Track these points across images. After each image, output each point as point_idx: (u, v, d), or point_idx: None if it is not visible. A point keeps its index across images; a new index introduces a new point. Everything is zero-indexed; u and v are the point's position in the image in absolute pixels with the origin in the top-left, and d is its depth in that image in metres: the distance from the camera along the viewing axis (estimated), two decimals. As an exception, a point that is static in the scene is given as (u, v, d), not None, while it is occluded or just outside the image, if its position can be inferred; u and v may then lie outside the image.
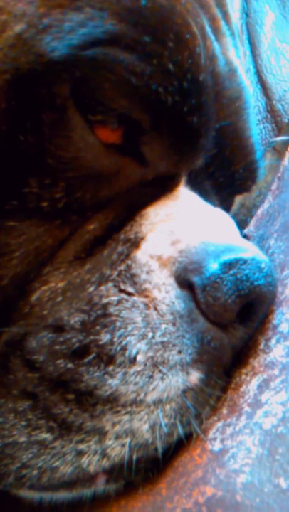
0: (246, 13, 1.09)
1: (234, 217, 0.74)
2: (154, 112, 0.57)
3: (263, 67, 1.02)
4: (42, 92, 0.53)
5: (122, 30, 0.53)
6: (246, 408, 0.56)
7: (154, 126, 0.58)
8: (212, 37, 0.65)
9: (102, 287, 0.57)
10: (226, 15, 0.73)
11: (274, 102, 0.99)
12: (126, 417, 0.55)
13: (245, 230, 0.84)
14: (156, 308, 0.57)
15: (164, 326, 0.56)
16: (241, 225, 0.78)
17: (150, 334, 0.56)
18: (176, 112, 0.58)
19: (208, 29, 0.64)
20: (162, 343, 0.56)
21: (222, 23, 0.70)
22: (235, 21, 0.77)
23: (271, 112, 0.99)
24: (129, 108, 0.56)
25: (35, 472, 0.55)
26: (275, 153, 0.92)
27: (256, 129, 0.76)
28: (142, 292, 0.57)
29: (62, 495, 0.60)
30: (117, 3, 0.53)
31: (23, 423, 0.55)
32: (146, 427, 0.55)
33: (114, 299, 0.57)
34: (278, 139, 0.95)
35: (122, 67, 0.54)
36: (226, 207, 0.76)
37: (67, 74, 0.53)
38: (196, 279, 0.57)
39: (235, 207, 0.84)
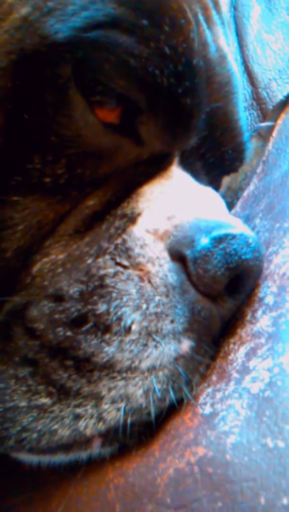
0: (234, 6, 1.08)
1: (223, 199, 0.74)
2: (150, 93, 0.57)
3: (250, 57, 1.02)
4: (46, 72, 0.53)
5: (121, 13, 0.53)
6: (235, 374, 0.56)
7: (150, 107, 0.58)
8: (204, 25, 0.64)
9: (100, 259, 0.57)
10: (216, 5, 0.73)
11: (259, 90, 0.99)
12: (121, 383, 0.55)
13: (232, 211, 0.83)
14: (150, 281, 0.57)
15: (157, 298, 0.56)
16: (228, 206, 0.77)
17: (144, 305, 0.56)
18: (170, 94, 0.57)
19: (200, 17, 0.63)
20: (156, 313, 0.56)
21: (213, 12, 0.70)
22: (225, 11, 0.76)
23: (257, 99, 0.98)
24: (127, 88, 0.56)
25: (34, 435, 0.55)
26: (260, 138, 0.92)
27: (244, 113, 0.75)
28: (137, 266, 0.57)
29: (60, 458, 0.59)
30: None
31: (24, 388, 0.55)
32: (140, 392, 0.55)
33: (111, 271, 0.56)
34: (263, 124, 0.95)
35: (122, 49, 0.53)
36: (215, 187, 0.75)
37: (69, 55, 0.53)
38: (188, 252, 0.57)
39: (222, 189, 0.83)
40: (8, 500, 0.66)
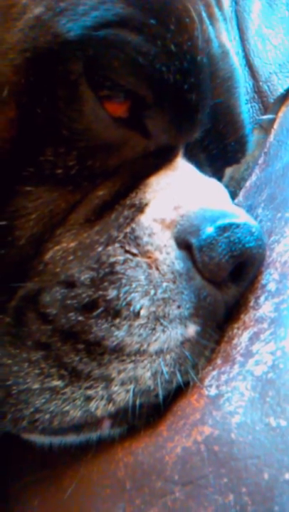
0: (235, 1, 1.09)
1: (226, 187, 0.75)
2: (157, 88, 0.58)
3: (251, 51, 1.02)
4: (58, 69, 0.54)
5: (130, 13, 0.55)
6: (239, 358, 0.57)
7: (157, 102, 0.59)
8: (207, 21, 0.65)
9: (110, 247, 0.58)
10: (218, 1, 0.74)
11: (261, 83, 0.99)
12: (130, 366, 0.56)
13: (235, 201, 0.84)
14: (158, 268, 0.58)
15: (165, 284, 0.57)
16: (231, 196, 0.78)
17: (152, 291, 0.57)
18: (177, 89, 0.59)
19: (204, 14, 0.64)
20: (163, 299, 0.57)
21: (216, 9, 0.71)
22: (226, 8, 0.77)
23: (258, 92, 0.99)
24: (135, 85, 0.57)
25: (47, 416, 0.56)
26: (262, 130, 0.93)
27: (246, 107, 0.76)
28: (145, 253, 0.58)
29: (71, 438, 0.61)
30: None
31: (37, 371, 0.56)
32: (148, 374, 0.56)
33: (120, 258, 0.57)
34: (264, 117, 0.95)
35: (130, 47, 0.55)
36: (218, 177, 0.76)
37: (80, 52, 0.54)
38: (194, 241, 0.58)
39: (225, 179, 0.84)
40: (21, 480, 0.67)
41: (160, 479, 0.52)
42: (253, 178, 0.85)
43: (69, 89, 0.55)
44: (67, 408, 0.56)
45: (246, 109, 0.76)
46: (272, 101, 0.97)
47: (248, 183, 0.86)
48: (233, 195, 0.87)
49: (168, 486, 0.51)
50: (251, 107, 0.98)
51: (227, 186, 0.81)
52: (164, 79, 0.57)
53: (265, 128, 0.91)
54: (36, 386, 0.56)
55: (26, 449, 0.65)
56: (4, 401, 0.57)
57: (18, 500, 0.65)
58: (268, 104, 0.98)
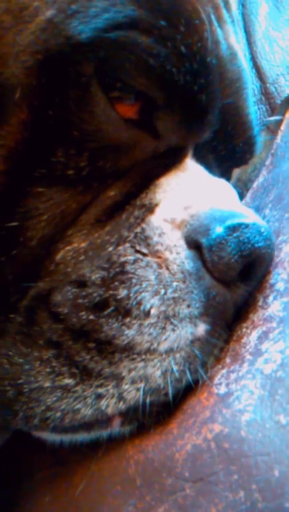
0: (242, 4, 1.09)
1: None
2: (167, 90, 0.58)
3: (258, 53, 1.03)
4: (69, 70, 0.55)
5: (140, 15, 0.55)
6: (248, 356, 0.57)
7: (167, 103, 0.60)
8: (216, 23, 0.66)
9: (120, 247, 0.58)
10: (227, 4, 0.74)
11: (268, 85, 1.00)
12: (141, 364, 0.56)
13: (242, 202, 0.84)
14: (168, 268, 0.58)
15: (175, 284, 0.58)
16: (239, 197, 0.79)
17: (162, 291, 0.57)
18: (187, 91, 0.59)
19: (212, 16, 0.65)
20: (173, 298, 0.57)
21: (224, 11, 0.71)
22: (234, 10, 0.77)
23: (265, 94, 1.00)
24: (146, 86, 0.58)
25: (58, 414, 0.57)
26: (269, 132, 0.93)
27: (253, 108, 0.76)
28: (155, 253, 0.59)
29: (82, 436, 0.61)
30: None
31: (48, 370, 0.56)
32: (158, 373, 0.57)
33: (131, 258, 0.58)
34: (272, 118, 0.96)
35: (141, 49, 0.55)
36: (226, 179, 0.77)
37: (92, 54, 0.55)
38: (203, 240, 0.59)
39: (233, 181, 0.84)
40: (32, 477, 0.68)
41: (170, 476, 0.52)
42: (260, 179, 0.86)
43: (80, 90, 0.55)
44: (78, 406, 0.56)
45: (254, 110, 0.76)
46: (279, 102, 0.98)
47: (255, 184, 0.86)
48: (241, 196, 0.88)
49: (178, 483, 0.51)
50: (258, 108, 0.99)
51: (234, 187, 0.81)
52: (174, 80, 0.57)
53: (272, 129, 0.92)
54: (48, 384, 0.56)
55: (37, 446, 0.66)
56: (16, 399, 0.58)
57: (30, 496, 0.66)
58: (275, 106, 0.98)
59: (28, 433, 0.65)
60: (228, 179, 0.79)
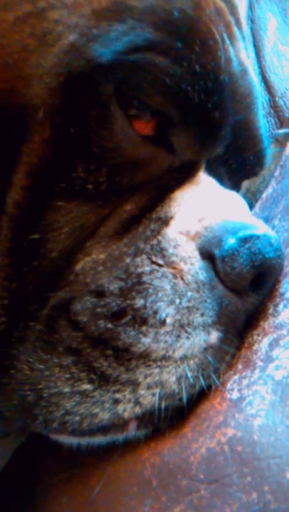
0: (251, 19, 1.12)
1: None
2: (182, 107, 0.60)
3: (267, 67, 1.05)
4: (90, 90, 0.56)
5: (157, 37, 0.57)
6: (259, 363, 0.59)
7: (182, 120, 0.62)
8: (228, 41, 0.67)
9: (137, 259, 0.60)
10: (238, 21, 0.76)
11: (276, 98, 1.02)
12: (156, 371, 0.58)
13: (252, 212, 0.86)
14: (182, 278, 0.60)
15: (189, 293, 0.60)
16: (248, 207, 0.81)
17: (177, 300, 0.59)
18: (201, 108, 0.61)
19: (224, 34, 0.67)
20: (188, 307, 0.59)
21: (235, 29, 0.73)
22: (244, 27, 0.80)
23: (274, 107, 1.02)
24: (162, 104, 0.60)
25: (77, 418, 0.58)
26: (278, 144, 0.95)
27: (263, 121, 0.79)
28: (170, 264, 0.60)
29: (98, 439, 0.63)
30: (153, 15, 0.57)
31: (67, 375, 0.58)
32: (173, 379, 0.58)
33: (147, 269, 0.60)
34: (280, 131, 0.98)
35: (158, 70, 0.57)
36: (237, 190, 0.79)
37: (112, 75, 0.57)
38: (216, 252, 0.61)
39: (242, 191, 0.86)
40: (49, 478, 0.69)
41: (186, 478, 0.54)
42: (269, 190, 0.88)
43: (100, 109, 0.57)
44: (96, 411, 0.58)
45: (264, 124, 0.78)
46: (287, 116, 1.00)
47: (264, 195, 0.88)
48: (250, 206, 0.90)
49: (193, 485, 0.53)
50: (268, 121, 1.01)
51: (244, 198, 0.83)
52: (189, 98, 0.59)
53: (281, 142, 0.94)
54: (67, 389, 0.58)
55: (54, 449, 0.67)
56: (36, 403, 0.59)
57: (47, 497, 0.68)
58: (284, 119, 1.00)
59: (43, 436, 0.66)
60: (238, 190, 0.81)
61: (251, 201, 0.92)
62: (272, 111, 1.02)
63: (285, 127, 0.97)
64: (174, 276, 0.60)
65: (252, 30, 1.11)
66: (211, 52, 0.60)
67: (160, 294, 0.59)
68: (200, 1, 0.60)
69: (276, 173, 0.88)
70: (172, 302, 0.59)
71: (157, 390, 0.58)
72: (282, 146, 0.92)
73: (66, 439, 0.65)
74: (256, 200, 0.91)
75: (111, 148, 0.59)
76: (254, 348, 0.62)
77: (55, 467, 0.70)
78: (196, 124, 0.63)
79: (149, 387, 0.58)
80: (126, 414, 0.59)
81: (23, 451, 0.81)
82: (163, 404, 0.59)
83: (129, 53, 0.56)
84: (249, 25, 1.11)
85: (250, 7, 1.12)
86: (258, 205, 0.88)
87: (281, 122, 1.01)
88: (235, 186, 0.79)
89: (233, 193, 0.71)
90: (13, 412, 0.62)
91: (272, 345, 0.60)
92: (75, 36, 0.56)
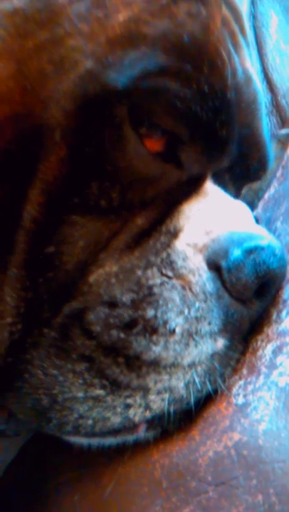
0: (253, 15, 1.13)
1: (244, 200, 0.81)
2: (191, 126, 0.64)
3: (269, 65, 1.06)
4: (104, 113, 0.59)
5: (169, 62, 0.60)
6: (263, 369, 0.63)
7: (191, 138, 0.65)
8: (232, 50, 0.70)
9: (148, 271, 0.63)
10: (242, 29, 0.78)
11: (279, 97, 1.04)
12: (166, 377, 0.61)
13: (255, 212, 0.90)
14: (191, 289, 0.63)
15: (197, 304, 0.63)
16: (250, 206, 0.84)
17: (186, 311, 0.62)
18: (209, 126, 0.64)
19: (229, 44, 0.69)
20: (196, 317, 0.62)
21: (240, 37, 0.75)
22: (248, 32, 0.82)
23: (276, 106, 1.04)
24: (173, 125, 0.63)
25: (90, 422, 0.62)
26: (280, 144, 0.98)
27: (267, 126, 0.81)
28: (179, 276, 0.64)
29: (109, 441, 0.66)
30: (165, 41, 0.60)
31: (80, 381, 0.61)
32: (182, 384, 0.62)
33: (158, 281, 0.63)
34: (283, 131, 1.01)
35: (170, 94, 0.60)
36: (240, 192, 0.82)
37: (126, 99, 0.59)
38: (223, 263, 0.64)
39: (244, 190, 0.90)
40: (60, 476, 0.73)
41: (194, 479, 0.58)
42: (272, 190, 0.91)
43: (114, 131, 0.60)
44: (108, 415, 0.62)
45: (267, 129, 0.80)
46: (289, 115, 1.03)
47: (266, 196, 0.91)
48: (251, 204, 0.93)
49: (202, 486, 0.57)
50: (269, 120, 1.03)
51: (245, 196, 0.87)
52: (198, 117, 0.62)
53: (283, 142, 0.97)
54: (80, 395, 0.61)
55: (64, 449, 0.71)
56: (50, 407, 0.62)
57: (58, 494, 0.71)
58: (286, 118, 1.03)
59: (53, 436, 0.70)
60: (240, 193, 0.84)
61: (253, 200, 0.96)
62: (274, 110, 1.04)
63: (287, 127, 1.00)
64: (183, 287, 0.63)
65: (254, 26, 1.12)
66: (218, 72, 0.63)
67: (170, 305, 0.62)
68: (209, 24, 0.63)
69: (278, 174, 0.92)
70: (181, 312, 0.62)
71: (166, 396, 0.62)
72: (284, 146, 0.94)
73: (77, 440, 0.69)
74: (258, 199, 0.94)
75: (124, 166, 0.62)
76: (258, 353, 0.65)
77: (65, 465, 0.73)
78: (204, 141, 0.66)
79: (158, 393, 0.62)
80: (136, 418, 0.62)
81: (30, 448, 0.85)
82: (172, 409, 0.62)
83: (142, 79, 0.59)
84: (251, 21, 1.13)
85: (253, 3, 1.13)
86: (260, 206, 0.91)
87: (283, 122, 1.03)
88: (239, 189, 0.82)
89: (238, 202, 0.74)
90: (27, 414, 0.66)
91: (276, 352, 0.64)
92: (91, 63, 0.58)
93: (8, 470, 0.86)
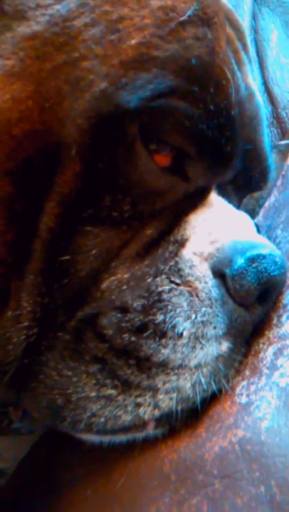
0: (255, 29, 1.18)
1: (246, 208, 0.86)
2: (198, 143, 0.68)
3: (270, 78, 1.11)
4: (117, 131, 0.63)
5: (178, 84, 0.64)
6: (265, 370, 0.66)
7: (197, 153, 0.69)
8: (235, 67, 0.74)
9: (158, 279, 0.67)
10: (245, 46, 0.83)
11: (279, 110, 1.08)
12: (174, 378, 0.65)
13: (256, 220, 0.94)
14: (197, 296, 0.67)
15: (203, 309, 0.67)
16: (251, 214, 0.88)
17: (193, 315, 0.66)
18: (215, 143, 0.69)
19: (233, 62, 0.74)
20: (202, 321, 0.67)
21: (242, 54, 0.80)
22: (250, 49, 0.87)
23: (276, 118, 1.08)
24: (181, 142, 0.68)
25: (102, 420, 0.65)
26: (280, 154, 1.02)
27: (268, 139, 0.86)
28: (187, 283, 0.68)
29: (119, 438, 0.70)
30: (174, 64, 0.64)
31: (93, 382, 0.65)
32: (189, 385, 0.66)
33: (167, 288, 0.67)
34: (283, 142, 1.05)
35: (178, 113, 0.65)
36: (242, 202, 0.87)
37: (137, 118, 0.64)
38: (227, 271, 0.68)
39: (245, 199, 0.95)
40: (73, 473, 0.77)
41: (201, 473, 0.61)
42: (272, 199, 0.95)
43: (126, 147, 0.64)
44: (119, 413, 0.65)
45: (269, 142, 0.85)
46: (289, 127, 1.08)
47: (267, 204, 0.96)
48: (252, 212, 0.98)
49: (208, 479, 0.60)
50: (270, 131, 1.08)
51: (246, 205, 0.92)
52: (204, 135, 0.67)
53: (283, 152, 1.01)
54: (93, 394, 0.65)
55: (74, 443, 0.75)
56: (64, 406, 0.66)
57: (71, 489, 0.74)
58: (286, 130, 1.07)
59: (64, 434, 0.74)
60: (242, 201, 0.89)
61: (254, 207, 1.01)
62: (274, 121, 1.09)
63: (287, 138, 1.04)
64: (190, 293, 0.68)
65: (255, 40, 1.17)
66: (224, 91, 0.68)
67: (178, 310, 0.66)
68: (214, 46, 0.68)
69: (278, 183, 0.96)
70: (188, 317, 0.66)
71: (174, 395, 0.65)
72: (283, 156, 0.99)
73: (89, 437, 0.73)
74: (259, 207, 0.99)
75: (135, 180, 0.66)
76: (260, 356, 0.69)
77: (77, 461, 0.78)
78: (210, 156, 0.70)
79: (167, 392, 0.65)
80: (146, 416, 0.66)
81: (42, 445, 0.89)
82: (179, 407, 0.66)
83: (153, 99, 0.63)
84: (252, 34, 1.17)
85: (254, 17, 1.18)
86: (261, 213, 0.95)
87: (283, 133, 1.08)
88: (241, 199, 0.87)
89: (241, 213, 0.79)
90: (42, 413, 0.71)
91: (277, 354, 0.67)
92: (105, 84, 0.62)
93: (20, 466, 0.90)
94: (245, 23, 1.10)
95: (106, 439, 0.71)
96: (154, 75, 0.64)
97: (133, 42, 0.64)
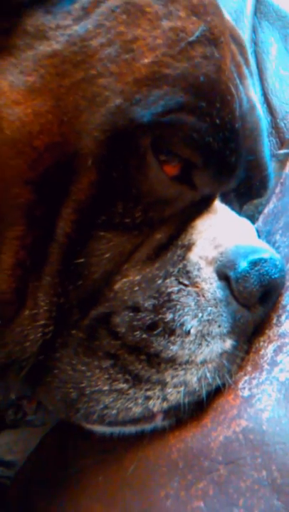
0: (255, 42, 1.22)
1: (245, 214, 0.91)
2: (205, 155, 0.73)
3: (269, 90, 1.15)
4: (131, 144, 0.67)
5: (187, 100, 0.69)
6: (266, 366, 0.70)
7: (204, 164, 0.74)
8: (238, 81, 0.79)
9: (167, 280, 0.71)
10: (246, 61, 0.88)
11: (278, 120, 1.13)
12: (182, 372, 0.69)
13: (256, 225, 0.98)
14: (204, 296, 0.71)
15: (209, 309, 0.71)
16: (251, 219, 0.92)
17: (200, 314, 0.70)
18: (220, 154, 0.74)
19: (236, 77, 0.78)
20: (208, 320, 0.71)
21: (244, 68, 0.85)
22: (251, 62, 0.92)
23: (275, 128, 1.13)
24: (189, 154, 0.72)
25: (114, 412, 0.69)
26: (278, 163, 1.06)
27: (268, 149, 0.90)
28: (194, 284, 0.72)
29: (129, 429, 0.73)
30: (184, 81, 0.69)
31: (106, 376, 0.69)
32: (195, 379, 0.69)
33: (176, 289, 0.71)
34: (281, 152, 1.09)
35: (187, 127, 0.69)
36: (243, 208, 0.92)
37: (149, 132, 0.67)
38: (231, 274, 0.72)
39: (245, 205, 1.00)
40: (84, 460, 0.81)
41: (207, 460, 0.64)
42: (271, 205, 0.99)
43: (138, 159, 0.68)
44: (130, 406, 0.69)
45: (268, 151, 0.90)
46: (287, 137, 1.12)
47: (266, 210, 1.00)
48: (252, 217, 1.03)
49: (214, 465, 0.63)
50: (269, 141, 1.13)
51: (246, 210, 0.97)
52: (211, 147, 0.71)
53: (282, 161, 1.06)
54: (105, 388, 0.68)
55: (85, 433, 0.77)
56: (78, 399, 0.70)
57: (84, 476, 0.78)
58: (284, 140, 1.12)
59: (74, 425, 0.78)
60: (243, 208, 0.95)
61: (254, 214, 1.06)
62: (273, 131, 1.14)
63: (285, 148, 1.09)
64: (197, 294, 0.72)
65: (255, 53, 1.22)
66: (228, 106, 0.72)
67: (186, 309, 0.70)
68: (221, 64, 0.73)
69: (277, 190, 1.01)
70: (196, 316, 0.70)
71: (182, 389, 0.69)
72: (282, 165, 1.04)
73: (100, 428, 0.75)
74: (258, 213, 1.04)
75: (146, 189, 0.70)
76: (261, 352, 0.74)
77: (88, 451, 0.81)
78: (216, 166, 0.75)
79: (175, 386, 0.69)
80: (155, 409, 0.69)
81: (52, 436, 0.93)
82: (186, 400, 0.69)
83: (164, 114, 0.67)
84: (252, 47, 1.22)
85: (254, 31, 1.23)
86: (260, 219, 1.00)
87: (282, 143, 1.13)
88: (242, 206, 0.92)
89: (242, 219, 0.84)
90: (56, 406, 0.75)
91: (277, 351, 0.72)
92: (120, 100, 0.66)
93: (30, 458, 0.94)
94: (245, 36, 1.14)
95: (116, 430, 0.75)
96: (166, 91, 0.67)
97: (146, 61, 0.67)
